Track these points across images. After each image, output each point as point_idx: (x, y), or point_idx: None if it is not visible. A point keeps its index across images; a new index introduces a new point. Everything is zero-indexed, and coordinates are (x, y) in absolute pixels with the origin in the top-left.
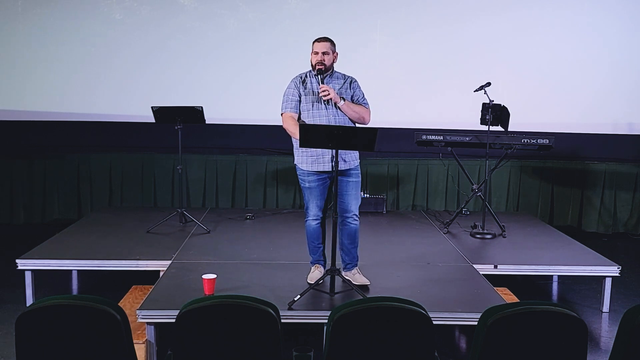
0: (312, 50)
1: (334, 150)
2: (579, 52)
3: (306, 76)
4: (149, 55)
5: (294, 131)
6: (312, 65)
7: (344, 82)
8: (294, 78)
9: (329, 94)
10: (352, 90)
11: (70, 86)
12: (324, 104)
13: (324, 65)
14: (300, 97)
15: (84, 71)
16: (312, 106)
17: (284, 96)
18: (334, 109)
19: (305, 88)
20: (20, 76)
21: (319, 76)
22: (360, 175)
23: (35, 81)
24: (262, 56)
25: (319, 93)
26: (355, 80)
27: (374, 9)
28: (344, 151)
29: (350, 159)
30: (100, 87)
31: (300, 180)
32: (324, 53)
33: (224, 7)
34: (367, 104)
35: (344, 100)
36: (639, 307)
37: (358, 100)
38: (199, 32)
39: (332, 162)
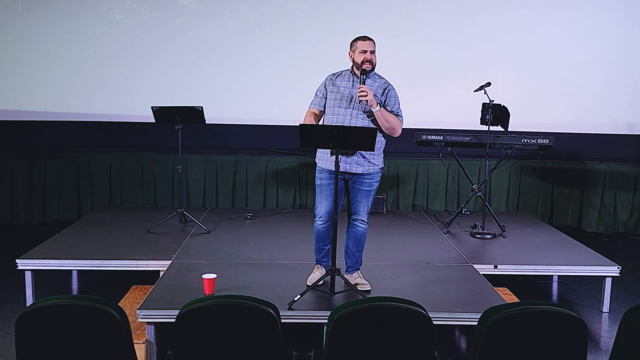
0: (357, 48)
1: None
2: (579, 52)
3: (340, 74)
4: (149, 55)
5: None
6: (357, 64)
7: (379, 85)
8: (328, 75)
9: (366, 95)
10: (385, 97)
11: (70, 86)
12: (346, 104)
13: (372, 64)
14: (326, 95)
15: (84, 71)
16: (334, 105)
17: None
18: (356, 111)
19: (335, 86)
20: (20, 76)
21: (363, 76)
22: (376, 183)
23: (35, 81)
24: (262, 56)
25: (350, 93)
26: (393, 89)
27: (374, 9)
28: (359, 154)
29: (366, 163)
30: (100, 87)
31: (315, 178)
32: (372, 52)
33: (224, 7)
34: (401, 116)
35: (380, 106)
36: (639, 307)
37: (392, 110)
38: (199, 32)
39: (342, 162)
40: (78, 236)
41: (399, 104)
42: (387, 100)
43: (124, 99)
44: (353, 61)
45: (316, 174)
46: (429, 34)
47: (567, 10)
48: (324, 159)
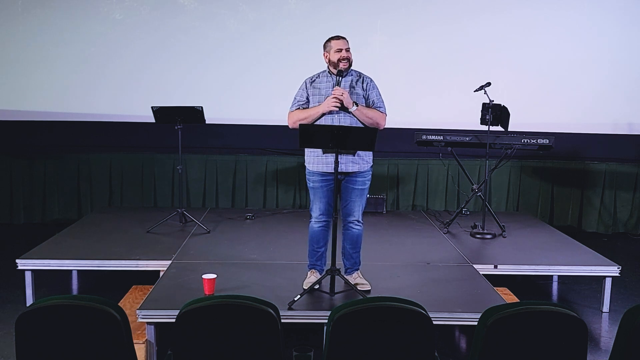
0: (332, 48)
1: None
2: (579, 52)
3: (317, 77)
4: (149, 55)
5: (304, 117)
6: (332, 63)
7: (357, 80)
8: (305, 80)
9: (342, 95)
10: (365, 91)
11: (70, 86)
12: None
13: (349, 61)
14: (308, 99)
15: (84, 71)
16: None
17: (293, 98)
18: (341, 112)
19: (316, 89)
20: (20, 76)
21: (338, 77)
22: (369, 181)
23: (35, 81)
24: (262, 56)
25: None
26: (372, 81)
27: (374, 9)
28: (354, 153)
29: (360, 161)
30: (100, 87)
31: (307, 180)
32: (347, 50)
33: (224, 7)
34: (383, 107)
35: (357, 105)
36: (639, 307)
37: (373, 103)
38: (199, 32)
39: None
40: (78, 236)
41: (380, 96)
42: (368, 93)
43: (124, 99)
44: (329, 61)
45: (307, 177)
46: (429, 34)
47: (567, 10)
48: (314, 162)
